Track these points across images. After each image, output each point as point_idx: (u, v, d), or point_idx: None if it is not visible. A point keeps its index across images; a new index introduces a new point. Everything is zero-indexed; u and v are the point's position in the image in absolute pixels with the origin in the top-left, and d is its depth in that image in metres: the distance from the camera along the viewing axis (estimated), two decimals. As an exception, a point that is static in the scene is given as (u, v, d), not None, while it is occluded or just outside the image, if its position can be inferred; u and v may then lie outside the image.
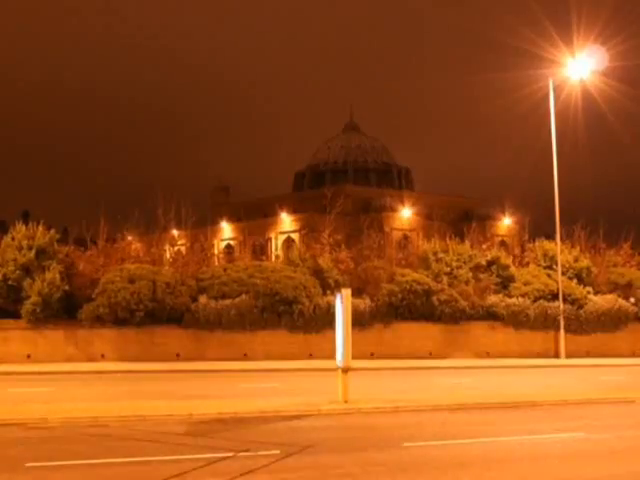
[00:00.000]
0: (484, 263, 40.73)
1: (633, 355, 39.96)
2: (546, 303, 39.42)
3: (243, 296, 34.80)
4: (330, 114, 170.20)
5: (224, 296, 34.90)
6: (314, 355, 34.09)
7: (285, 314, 35.12)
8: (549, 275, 41.09)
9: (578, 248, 44.00)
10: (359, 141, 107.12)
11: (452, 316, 37.38)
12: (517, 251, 51.18)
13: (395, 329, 36.92)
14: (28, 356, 32.40)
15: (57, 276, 33.15)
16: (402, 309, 36.93)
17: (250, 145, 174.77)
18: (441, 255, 40.12)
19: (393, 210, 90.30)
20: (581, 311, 40.05)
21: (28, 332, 33.04)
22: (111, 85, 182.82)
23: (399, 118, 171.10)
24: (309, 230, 68.67)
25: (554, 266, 41.07)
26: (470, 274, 39.67)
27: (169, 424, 16.19)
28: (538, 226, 57.25)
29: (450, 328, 37.63)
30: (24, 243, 34.39)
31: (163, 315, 33.93)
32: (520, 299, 39.09)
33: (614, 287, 42.39)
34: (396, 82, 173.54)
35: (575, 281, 41.34)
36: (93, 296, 33.45)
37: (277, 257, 61.50)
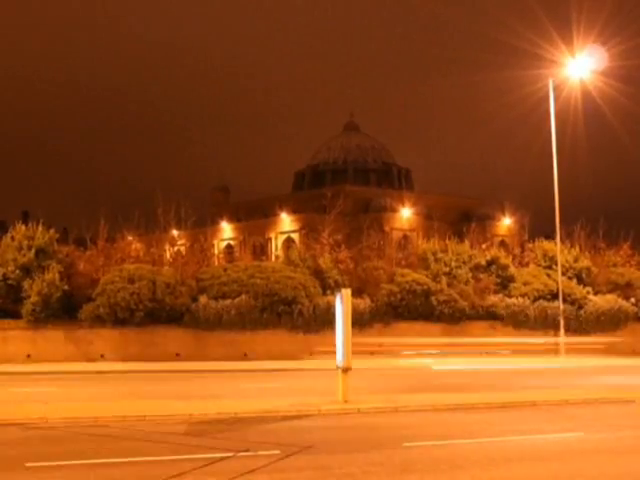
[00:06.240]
0: (484, 263, 40.77)
1: (633, 355, 39.94)
2: (546, 303, 39.44)
3: (243, 296, 34.83)
4: (330, 114, 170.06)
5: (224, 296, 34.93)
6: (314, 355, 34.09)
7: (285, 314, 35.15)
8: (549, 275, 41.12)
9: (578, 248, 44.03)
10: (359, 141, 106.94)
11: (452, 316, 37.40)
12: (517, 251, 51.13)
13: (395, 329, 36.93)
14: (28, 356, 32.43)
15: (57, 276, 33.18)
16: (402, 309, 36.97)
17: (250, 145, 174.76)
18: (440, 255, 40.15)
19: (393, 210, 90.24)
20: (581, 311, 40.07)
21: (28, 332, 33.08)
22: (111, 85, 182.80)
23: (399, 118, 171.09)
24: (309, 230, 68.58)
25: (554, 266, 41.08)
26: (470, 274, 39.71)
27: (169, 424, 16.17)
28: (538, 226, 57.32)
29: (450, 328, 37.65)
30: (24, 243, 34.43)
31: (163, 315, 33.96)
32: (520, 299, 39.11)
33: (614, 287, 42.41)
34: (396, 82, 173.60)
35: (575, 281, 41.37)
36: (93, 296, 33.49)
37: (277, 257, 61.49)
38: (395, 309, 36.97)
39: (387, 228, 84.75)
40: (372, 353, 35.19)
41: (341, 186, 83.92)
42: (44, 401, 19.06)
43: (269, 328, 35.13)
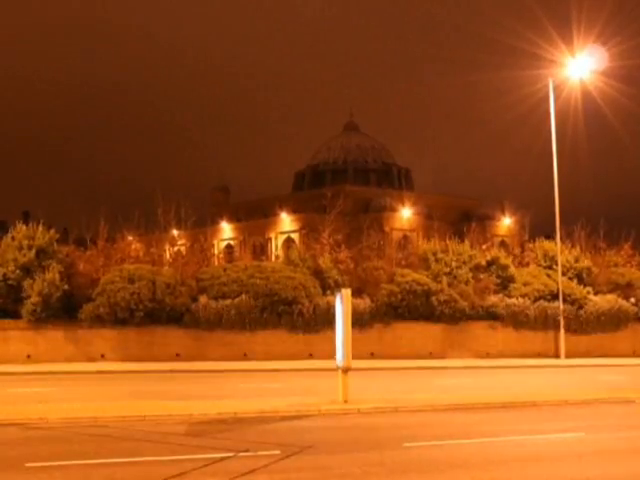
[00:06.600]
0: (484, 263, 40.74)
1: (633, 355, 39.97)
2: (546, 303, 39.44)
3: (243, 296, 34.83)
4: (330, 114, 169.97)
5: (224, 296, 34.92)
6: (314, 355, 34.11)
7: (285, 314, 35.15)
8: (549, 275, 41.11)
9: (578, 248, 44.00)
10: (359, 141, 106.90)
11: (452, 316, 37.40)
12: (517, 251, 51.11)
13: (395, 329, 36.95)
14: (28, 356, 32.41)
15: (57, 276, 33.17)
16: (402, 309, 36.97)
17: (250, 145, 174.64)
18: (441, 255, 40.12)
19: (393, 210, 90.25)
20: (581, 311, 40.07)
21: (28, 332, 33.06)
22: (111, 85, 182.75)
23: (399, 118, 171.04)
24: (309, 230, 68.58)
25: (554, 266, 41.08)
26: (470, 274, 39.69)
27: (169, 424, 16.18)
28: (538, 226, 57.22)
29: (450, 328, 37.66)
30: (24, 243, 34.42)
31: (163, 315, 33.96)
32: (520, 299, 39.10)
33: (614, 287, 42.40)
34: (396, 82, 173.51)
35: (575, 281, 41.35)
36: (93, 296, 33.48)
37: (277, 257, 61.46)
38: (395, 309, 36.97)
39: (387, 228, 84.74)
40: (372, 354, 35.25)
41: (341, 186, 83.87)
42: (44, 401, 19.08)
43: (269, 328, 35.13)
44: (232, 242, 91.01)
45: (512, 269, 41.54)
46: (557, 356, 38.63)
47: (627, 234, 47.68)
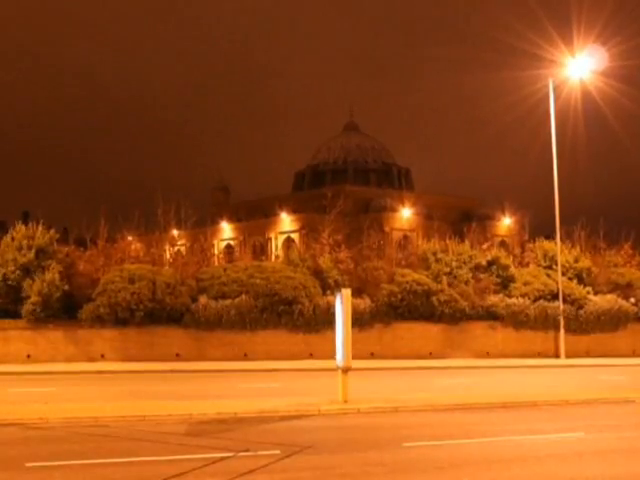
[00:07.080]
0: (484, 263, 40.74)
1: (633, 355, 39.97)
2: (546, 303, 39.44)
3: (243, 296, 34.82)
4: (330, 114, 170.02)
5: (224, 296, 34.92)
6: (314, 355, 34.11)
7: (285, 314, 35.15)
8: (549, 275, 41.10)
9: (578, 248, 44.00)
10: (359, 141, 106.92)
11: (452, 316, 37.40)
12: (517, 251, 51.12)
13: (395, 329, 36.94)
14: (28, 356, 32.41)
15: (57, 276, 33.16)
16: (402, 309, 36.96)
17: (250, 145, 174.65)
18: (441, 255, 40.12)
19: (393, 210, 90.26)
20: (581, 311, 40.07)
21: (28, 332, 33.05)
22: (112, 85, 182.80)
23: (399, 118, 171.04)
24: (309, 230, 68.62)
25: (554, 266, 41.08)
26: (470, 274, 39.69)
27: (169, 424, 16.18)
28: (538, 226, 57.25)
29: (450, 328, 37.65)
30: (24, 243, 34.40)
31: (163, 315, 33.96)
32: (520, 299, 39.10)
33: (614, 287, 42.39)
34: (396, 82, 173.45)
35: (575, 281, 41.35)
36: (93, 296, 33.47)
37: (277, 257, 61.45)
38: (395, 309, 36.95)
39: (387, 228, 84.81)
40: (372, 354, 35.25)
41: (341, 186, 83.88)
42: (44, 401, 19.08)
43: (269, 328, 35.13)
44: (232, 242, 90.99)
45: (512, 269, 41.54)
46: (557, 356, 38.63)
47: (627, 234, 47.76)
